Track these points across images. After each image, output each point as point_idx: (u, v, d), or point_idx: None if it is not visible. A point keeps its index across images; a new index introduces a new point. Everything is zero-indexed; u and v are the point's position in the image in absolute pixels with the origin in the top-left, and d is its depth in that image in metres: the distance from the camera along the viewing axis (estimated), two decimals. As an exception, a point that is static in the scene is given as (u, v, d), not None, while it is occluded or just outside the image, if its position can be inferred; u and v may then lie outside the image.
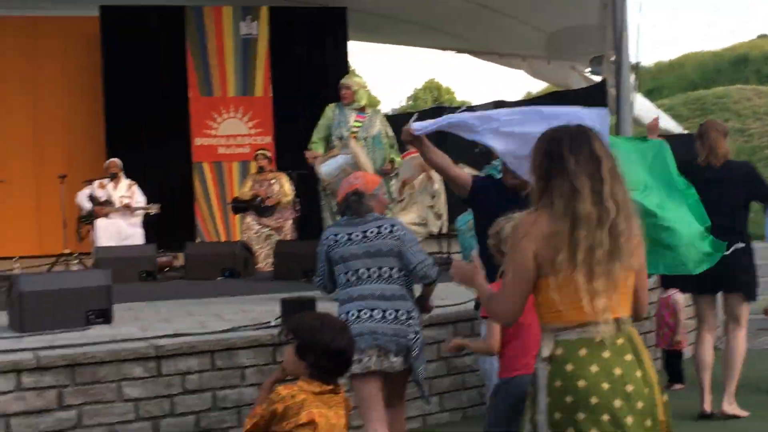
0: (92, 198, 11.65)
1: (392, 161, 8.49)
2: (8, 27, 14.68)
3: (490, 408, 4.67)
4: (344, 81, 8.19)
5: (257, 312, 7.10)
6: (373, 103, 9.20)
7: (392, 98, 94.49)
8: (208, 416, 5.82)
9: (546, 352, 3.09)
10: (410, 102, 55.38)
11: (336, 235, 5.02)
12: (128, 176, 12.01)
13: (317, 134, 8.15)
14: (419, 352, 4.86)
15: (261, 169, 11.57)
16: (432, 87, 55.70)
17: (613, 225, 3.05)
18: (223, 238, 13.64)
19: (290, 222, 11.27)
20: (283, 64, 14.24)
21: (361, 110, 8.12)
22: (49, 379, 5.48)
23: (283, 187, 11.38)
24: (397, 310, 4.84)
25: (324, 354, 3.69)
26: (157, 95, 13.91)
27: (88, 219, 11.72)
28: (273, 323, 6.30)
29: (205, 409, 5.81)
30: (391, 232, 4.90)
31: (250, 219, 11.29)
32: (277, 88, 14.14)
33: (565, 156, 3.08)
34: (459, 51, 18.74)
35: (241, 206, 11.50)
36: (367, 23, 16.18)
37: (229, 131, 14.02)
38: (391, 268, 4.89)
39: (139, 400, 5.66)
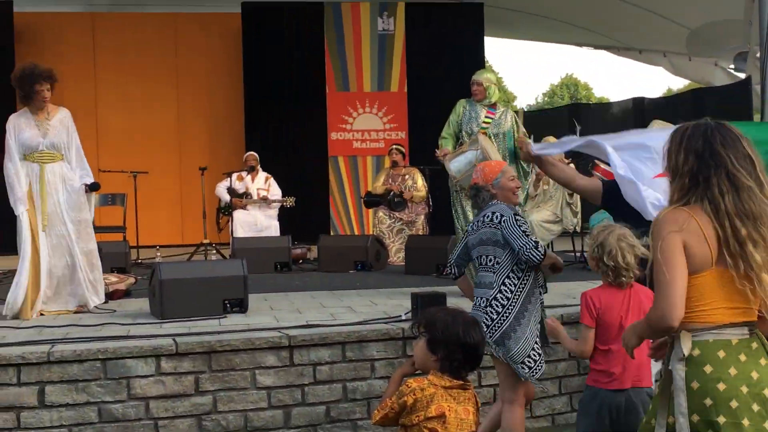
0: (231, 190, 11.95)
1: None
2: (153, 23, 15.19)
3: (583, 416, 4.59)
4: (475, 77, 8.15)
5: (388, 305, 7.16)
6: (507, 99, 9.07)
7: (528, 94, 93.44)
8: (338, 407, 5.90)
9: (685, 351, 3.01)
10: (546, 98, 54.79)
11: (470, 225, 5.19)
12: (265, 169, 12.28)
13: (447, 130, 8.14)
14: (501, 338, 4.82)
15: (395, 164, 11.66)
16: (569, 83, 54.99)
17: None
18: (356, 232, 13.79)
19: (422, 217, 11.32)
20: (419, 60, 14.29)
21: (492, 106, 8.06)
22: (186, 365, 5.65)
23: (416, 182, 11.45)
24: (481, 298, 4.93)
25: (455, 348, 3.71)
26: (295, 90, 14.16)
27: (226, 210, 12.03)
28: (403, 317, 6.35)
29: (335, 399, 5.89)
30: (491, 219, 4.94)
31: (382, 213, 11.39)
32: (412, 83, 14.20)
33: (720, 153, 3.00)
34: (596, 47, 18.45)
35: (374, 200, 11.61)
36: (503, 19, 16.10)
37: (365, 126, 14.16)
38: (492, 256, 4.93)
39: (271, 389, 5.79)
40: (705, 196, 2.99)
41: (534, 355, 4.88)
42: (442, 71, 14.25)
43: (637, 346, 3.22)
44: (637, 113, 16.77)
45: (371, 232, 11.83)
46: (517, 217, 4.90)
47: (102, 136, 14.88)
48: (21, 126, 7.23)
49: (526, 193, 8.21)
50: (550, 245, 11.00)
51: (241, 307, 6.93)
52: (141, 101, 15.09)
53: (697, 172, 3.02)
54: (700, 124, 3.11)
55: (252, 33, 14.33)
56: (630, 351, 3.26)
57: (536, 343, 4.90)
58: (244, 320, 6.55)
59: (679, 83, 37.49)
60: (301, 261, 11.48)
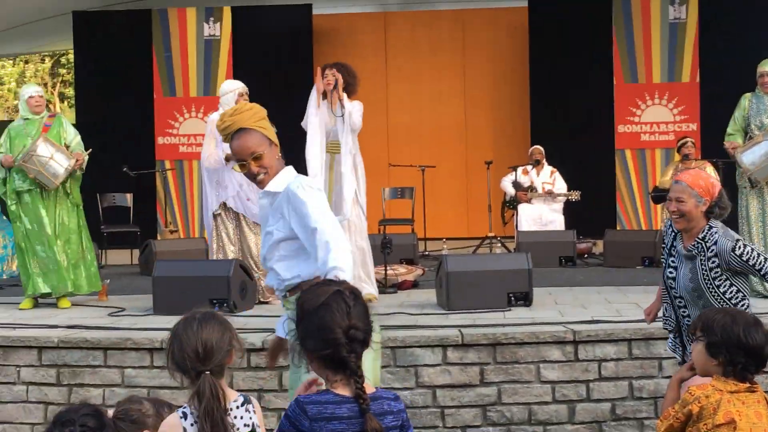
0: (516, 184, 12.02)
1: None
2: (442, 20, 15.53)
3: None
4: (764, 68, 7.76)
5: (676, 303, 6.95)
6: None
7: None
8: (624, 404, 5.83)
9: None
10: None
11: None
12: (550, 163, 12.26)
13: (733, 126, 7.82)
14: None
15: (686, 157, 11.28)
16: None
17: None
18: (644, 227, 13.46)
19: (713, 212, 10.89)
20: (714, 48, 13.70)
21: (779, 97, 7.67)
22: (472, 356, 5.78)
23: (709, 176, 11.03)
24: None
25: (737, 351, 3.55)
26: (581, 82, 13.98)
27: (511, 204, 12.13)
28: (693, 316, 6.16)
29: (620, 397, 5.82)
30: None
31: (671, 208, 11.06)
32: (705, 74, 13.65)
33: None
34: None
35: (661, 195, 11.28)
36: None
37: (653, 118, 13.78)
38: None
39: (555, 383, 5.80)
40: None
41: None
42: (738, 60, 13.58)
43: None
44: None
45: (659, 228, 11.52)
46: None
47: (392, 131, 15.38)
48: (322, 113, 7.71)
49: None
50: None
51: (525, 300, 6.98)
52: (429, 97, 15.46)
53: None
54: None
55: (539, 26, 14.30)
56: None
57: None
58: (528, 314, 6.60)
59: None
60: (586, 255, 11.37)
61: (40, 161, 7.59)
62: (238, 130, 3.91)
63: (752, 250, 4.46)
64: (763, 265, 4.42)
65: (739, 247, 4.45)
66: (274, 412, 5.75)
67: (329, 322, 2.66)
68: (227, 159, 7.73)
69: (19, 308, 7.75)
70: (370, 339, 2.71)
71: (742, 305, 4.44)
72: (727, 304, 4.43)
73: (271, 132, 3.96)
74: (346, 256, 3.69)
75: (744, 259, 4.43)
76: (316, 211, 3.75)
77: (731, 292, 4.45)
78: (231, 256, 7.79)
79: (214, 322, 3.11)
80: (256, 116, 3.95)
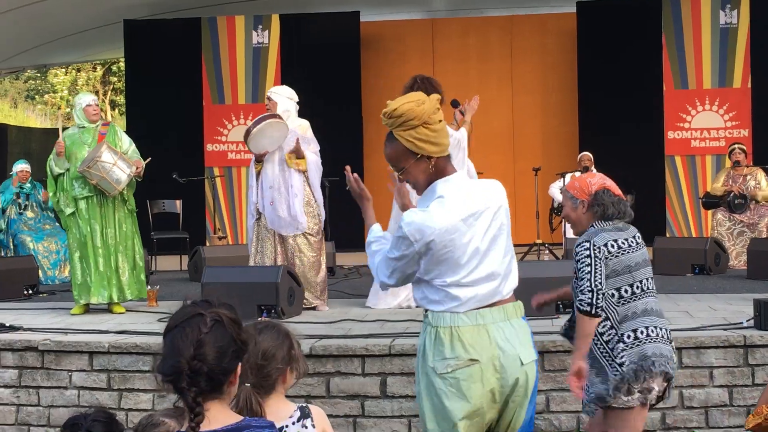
0: (564, 190, 11.96)
1: None
2: (490, 26, 15.50)
3: None
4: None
5: (728, 311, 6.88)
6: None
7: None
8: (674, 414, 5.77)
9: None
10: None
11: (616, 241, 4.11)
12: (599, 169, 12.16)
13: None
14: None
15: (736, 164, 11.16)
16: None
17: None
18: (694, 234, 13.33)
19: (766, 219, 10.76)
20: (764, 53, 13.53)
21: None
22: (520, 363, 5.74)
23: (760, 182, 10.91)
24: (663, 329, 4.13)
25: None
26: (631, 89, 13.87)
27: (559, 211, 12.06)
28: (745, 324, 6.08)
29: (670, 406, 5.75)
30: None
31: (721, 215, 10.95)
32: (757, 78, 13.48)
33: None
34: None
35: (712, 201, 11.17)
36: None
37: (703, 124, 13.65)
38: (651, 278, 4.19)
39: (604, 391, 5.74)
40: None
41: None
42: (791, 64, 13.43)
43: None
44: None
45: (710, 235, 11.40)
46: None
47: (439, 137, 15.37)
48: None
49: None
50: None
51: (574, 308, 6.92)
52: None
53: None
54: None
55: (587, 32, 14.22)
56: None
57: None
58: (576, 321, 6.54)
59: None
60: (635, 263, 11.26)
61: (104, 167, 7.62)
62: (388, 134, 3.42)
63: (588, 257, 3.99)
64: (581, 278, 4.00)
65: (581, 245, 4.04)
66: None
67: (176, 348, 2.31)
68: (258, 160, 7.86)
69: (71, 313, 7.84)
70: (225, 377, 2.33)
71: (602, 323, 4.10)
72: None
73: (416, 142, 3.33)
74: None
75: (576, 259, 4.05)
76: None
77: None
78: (251, 262, 7.94)
79: (269, 333, 2.90)
80: (405, 125, 3.34)
